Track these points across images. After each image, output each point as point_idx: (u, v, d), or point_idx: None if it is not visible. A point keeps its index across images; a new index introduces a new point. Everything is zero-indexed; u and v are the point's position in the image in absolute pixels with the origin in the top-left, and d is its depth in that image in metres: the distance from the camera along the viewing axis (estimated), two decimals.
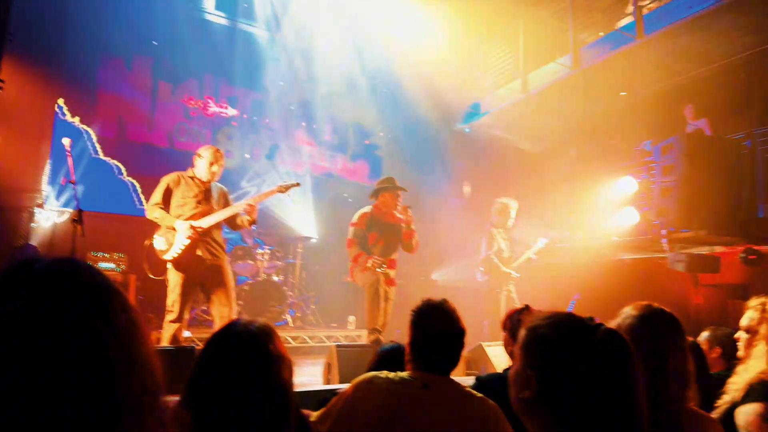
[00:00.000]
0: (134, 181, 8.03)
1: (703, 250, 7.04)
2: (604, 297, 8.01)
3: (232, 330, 1.39)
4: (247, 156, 9.44)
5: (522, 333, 1.20)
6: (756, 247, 6.90)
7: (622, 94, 8.83)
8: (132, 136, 8.36)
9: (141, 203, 7.79)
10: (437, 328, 2.00)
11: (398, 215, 5.35)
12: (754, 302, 2.32)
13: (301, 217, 9.21)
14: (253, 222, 4.93)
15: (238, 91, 9.49)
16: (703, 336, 3.10)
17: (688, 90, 8.29)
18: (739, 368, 2.32)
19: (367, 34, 9.56)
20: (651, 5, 8.88)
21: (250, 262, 7.66)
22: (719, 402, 2.07)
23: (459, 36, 9.52)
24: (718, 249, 7.19)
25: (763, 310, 2.25)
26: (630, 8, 8.19)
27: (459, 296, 8.55)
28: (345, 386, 3.84)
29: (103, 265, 5.93)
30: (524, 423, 1.17)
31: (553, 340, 1.13)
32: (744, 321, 2.35)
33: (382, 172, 10.20)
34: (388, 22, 9.39)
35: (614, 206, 7.72)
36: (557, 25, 8.60)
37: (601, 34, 9.00)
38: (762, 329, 2.20)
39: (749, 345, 2.28)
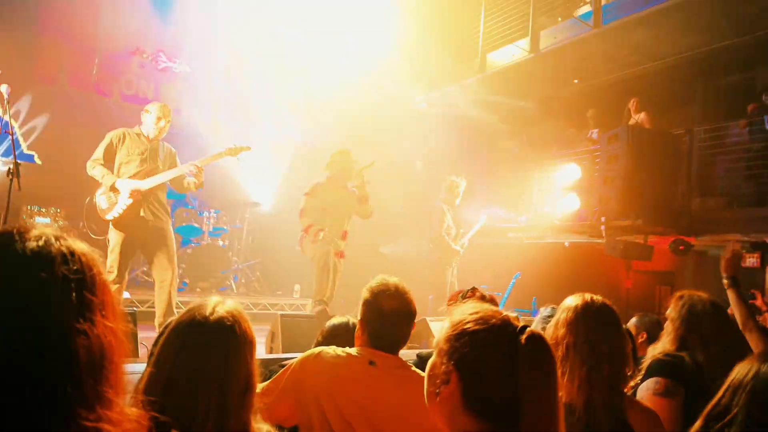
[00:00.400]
0: None
1: (638, 238, 7.39)
2: (544, 277, 8.34)
3: (205, 313, 1.32)
4: (197, 114, 9.11)
5: (446, 325, 1.17)
6: (686, 239, 7.32)
7: (575, 81, 9.04)
8: (74, 84, 7.91)
9: None
10: (390, 308, 2.02)
11: (352, 187, 5.35)
12: (678, 294, 2.49)
13: (250, 181, 9.04)
14: (199, 185, 4.81)
15: (191, 46, 9.09)
16: (632, 322, 3.29)
17: (637, 83, 8.57)
18: (649, 349, 2.52)
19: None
20: None
21: (195, 225, 7.48)
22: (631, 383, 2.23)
23: (423, 11, 9.44)
24: (651, 238, 7.56)
25: (681, 299, 2.42)
26: None
27: (405, 269, 8.68)
28: (289, 356, 3.86)
29: (39, 219, 5.67)
30: (434, 417, 1.15)
31: (478, 338, 1.11)
32: (668, 311, 2.52)
33: (336, 142, 10.09)
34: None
35: (558, 191, 7.97)
36: (518, 8, 8.66)
37: (560, 20, 9.15)
38: (672, 314, 2.39)
39: (665, 332, 2.46)
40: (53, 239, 0.83)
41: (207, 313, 1.30)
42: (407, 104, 10.38)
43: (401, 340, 2.07)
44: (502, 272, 8.49)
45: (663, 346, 2.40)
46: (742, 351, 2.13)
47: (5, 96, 3.77)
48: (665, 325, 2.52)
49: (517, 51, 8.32)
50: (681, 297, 2.45)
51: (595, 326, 1.77)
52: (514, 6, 8.70)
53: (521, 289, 8.41)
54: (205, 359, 1.26)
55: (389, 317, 2.01)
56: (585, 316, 1.80)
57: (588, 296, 1.90)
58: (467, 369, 1.09)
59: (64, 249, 0.82)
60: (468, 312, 1.17)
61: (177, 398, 1.21)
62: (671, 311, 2.46)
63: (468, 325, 1.13)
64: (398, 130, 10.25)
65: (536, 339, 1.10)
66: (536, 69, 8.59)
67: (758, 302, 5.47)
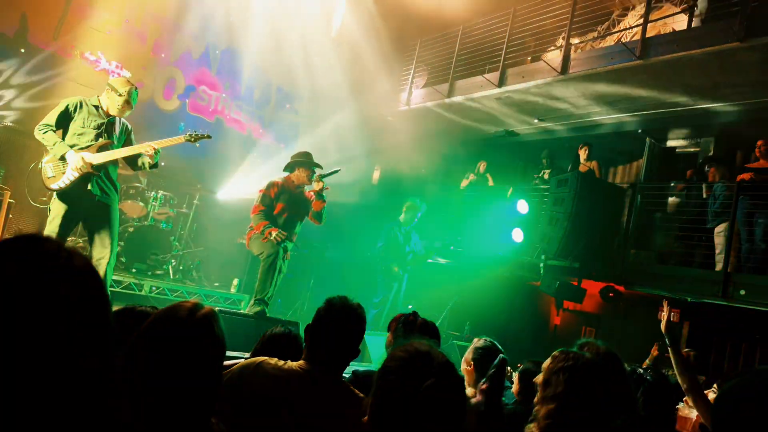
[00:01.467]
0: None
1: (573, 280, 7.71)
2: (481, 304, 8.58)
3: (184, 314, 1.32)
4: (159, 90, 8.90)
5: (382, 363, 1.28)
6: (616, 286, 7.71)
7: (535, 120, 9.37)
8: (33, 40, 7.55)
9: None
10: (334, 323, 2.05)
11: (309, 191, 5.34)
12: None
13: (203, 168, 8.87)
14: (154, 165, 4.71)
15: (164, 20, 8.87)
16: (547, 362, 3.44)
17: (593, 131, 8.99)
18: None
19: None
20: (581, 45, 9.49)
21: (140, 203, 7.26)
22: None
23: (405, 29, 9.63)
24: (585, 281, 7.90)
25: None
26: (561, 42, 8.71)
27: (350, 279, 8.70)
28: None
29: None
30: None
31: (392, 378, 1.21)
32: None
33: (298, 141, 10.06)
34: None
35: (504, 224, 8.22)
36: (492, 43, 8.92)
37: (529, 60, 9.48)
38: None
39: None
40: None
41: (185, 315, 1.32)
42: (373, 114, 10.46)
43: (346, 356, 2.08)
44: (442, 294, 8.68)
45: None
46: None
47: None
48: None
49: (485, 83, 8.56)
50: (585, 345, 2.55)
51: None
52: (488, 41, 8.97)
53: (457, 312, 8.62)
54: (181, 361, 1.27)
55: (338, 336, 2.04)
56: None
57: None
58: (379, 401, 1.20)
59: None
60: (402, 349, 1.28)
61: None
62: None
63: (391, 362, 1.26)
64: (361, 137, 10.31)
65: (449, 384, 1.21)
66: (500, 103, 8.87)
67: (653, 350, 5.88)
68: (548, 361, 2.08)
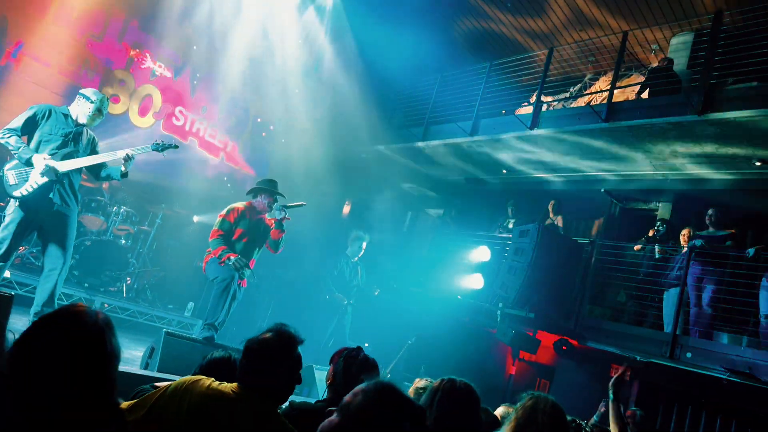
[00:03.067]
0: None
1: (528, 330, 7.79)
2: (437, 346, 8.57)
3: (77, 321, 1.33)
4: (134, 107, 8.88)
5: (350, 401, 1.32)
6: (570, 340, 7.81)
7: (503, 171, 9.62)
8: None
9: None
10: (260, 346, 2.07)
11: (270, 219, 5.33)
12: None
13: (171, 187, 8.80)
14: (124, 174, 4.68)
15: (148, 39, 8.93)
16: (498, 411, 3.46)
17: (558, 188, 9.26)
18: None
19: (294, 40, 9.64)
20: (554, 103, 9.88)
21: (101, 217, 7.14)
22: None
23: (384, 70, 9.88)
24: (540, 332, 7.99)
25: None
26: (533, 99, 9.04)
27: (309, 309, 8.60)
28: (162, 377, 3.76)
29: None
30: None
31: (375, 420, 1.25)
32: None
33: (270, 169, 10.10)
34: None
35: (466, 268, 8.31)
36: (469, 90, 9.21)
37: (504, 112, 9.80)
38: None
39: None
40: None
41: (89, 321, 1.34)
42: (349, 149, 10.59)
43: (266, 378, 2.06)
44: (398, 333, 8.65)
45: None
46: None
47: None
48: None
49: (458, 130, 8.79)
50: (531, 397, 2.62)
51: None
52: (465, 88, 9.26)
53: (413, 353, 8.59)
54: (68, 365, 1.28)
55: (259, 357, 2.05)
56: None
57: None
58: None
59: None
60: (365, 388, 1.34)
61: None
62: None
63: (366, 416, 1.30)
64: (333, 169, 10.40)
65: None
66: (470, 151, 9.09)
67: (602, 407, 5.93)
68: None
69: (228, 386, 2.05)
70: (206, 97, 9.79)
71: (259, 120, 10.58)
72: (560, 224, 8.47)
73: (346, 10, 9.72)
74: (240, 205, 5.27)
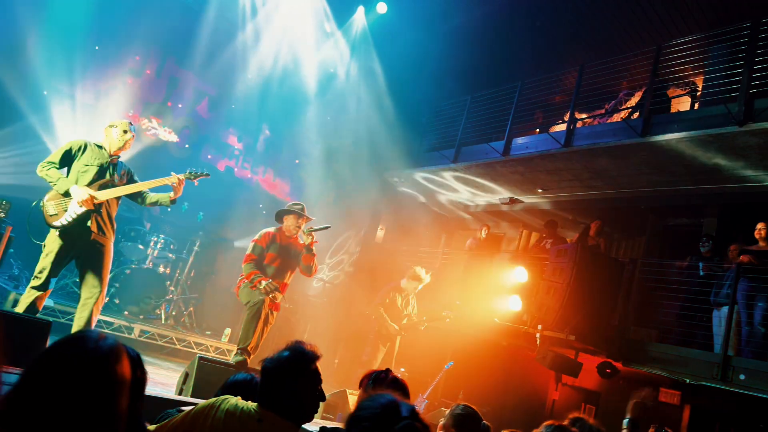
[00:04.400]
0: None
1: (569, 353, 7.54)
2: (475, 372, 8.38)
3: (77, 347, 1.27)
4: (163, 136, 9.16)
5: (352, 407, 1.29)
6: (614, 363, 7.51)
7: (539, 190, 9.46)
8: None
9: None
10: (281, 368, 2.04)
11: (301, 241, 5.37)
12: (573, 416, 2.58)
13: (208, 215, 9.00)
14: (173, 201, 4.82)
15: (182, 73, 9.27)
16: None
17: (594, 205, 9.03)
18: None
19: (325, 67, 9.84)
20: (587, 120, 9.71)
21: (141, 246, 7.34)
22: None
23: (413, 94, 9.95)
24: (582, 355, 7.72)
25: (575, 423, 2.52)
26: (567, 116, 8.91)
27: (344, 333, 8.56)
28: (195, 401, 3.77)
29: None
30: None
31: (365, 425, 1.22)
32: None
33: (303, 194, 10.22)
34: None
35: (503, 290, 8.14)
36: (500, 110, 9.16)
37: (537, 131, 9.69)
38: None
39: None
40: None
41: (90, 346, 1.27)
42: (381, 175, 10.66)
43: (282, 397, 2.02)
44: (436, 358, 8.50)
45: None
46: None
47: None
48: None
49: (491, 150, 8.72)
50: (576, 421, 2.54)
51: None
52: (493, 107, 9.22)
53: (452, 378, 8.41)
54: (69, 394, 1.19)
55: (274, 375, 2.02)
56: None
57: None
58: None
59: None
60: (368, 402, 1.30)
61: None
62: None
63: (362, 412, 1.27)
64: (366, 195, 10.47)
65: (410, 428, 1.21)
66: (505, 171, 8.99)
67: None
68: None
69: (251, 405, 2.03)
70: (241, 127, 10.04)
71: (291, 147, 10.77)
72: (602, 245, 8.23)
73: (374, 36, 9.87)
74: (271, 229, 5.34)
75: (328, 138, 10.06)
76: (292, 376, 2.03)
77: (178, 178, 4.72)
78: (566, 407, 9.14)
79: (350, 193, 10.24)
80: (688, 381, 6.63)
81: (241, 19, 9.28)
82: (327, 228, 5.36)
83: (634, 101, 9.89)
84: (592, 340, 7.41)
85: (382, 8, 9.68)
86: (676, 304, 7.24)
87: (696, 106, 8.66)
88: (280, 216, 5.42)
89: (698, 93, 8.19)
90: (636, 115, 7.98)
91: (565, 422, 2.55)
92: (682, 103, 9.22)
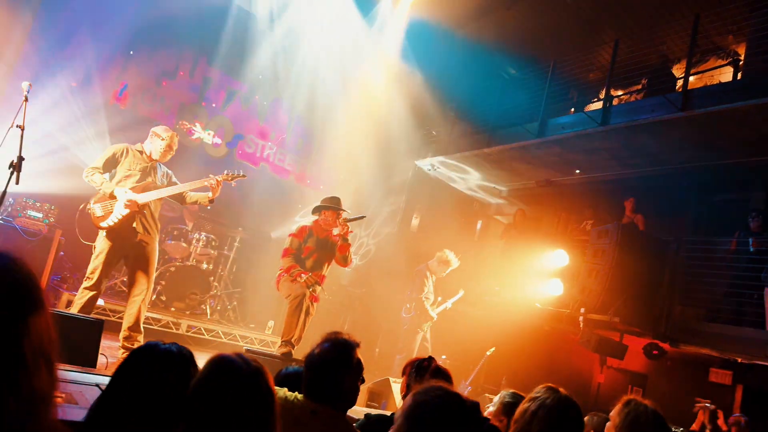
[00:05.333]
0: None
1: (614, 335, 7.42)
2: (517, 357, 8.33)
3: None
4: (208, 140, 9.35)
5: (408, 400, 1.28)
6: (660, 344, 7.35)
7: (576, 171, 9.28)
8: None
9: None
10: (320, 359, 2.08)
11: (336, 235, 5.45)
12: (626, 399, 2.53)
13: (246, 212, 9.16)
14: (212, 201, 4.99)
15: (214, 72, 9.41)
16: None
17: (635, 184, 8.80)
18: None
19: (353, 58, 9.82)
20: (623, 96, 9.46)
21: (184, 244, 7.54)
22: None
23: (442, 80, 9.85)
24: (627, 337, 7.59)
25: (628, 406, 2.46)
26: (602, 95, 8.70)
27: (382, 323, 8.63)
28: None
29: (31, 213, 5.75)
30: None
31: (427, 421, 1.21)
32: (612, 412, 2.56)
33: (339, 187, 10.29)
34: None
35: (543, 274, 8.05)
36: (533, 91, 9.00)
37: (572, 110, 9.49)
38: (615, 419, 2.44)
39: None
40: None
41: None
42: (413, 163, 10.64)
43: (329, 389, 2.08)
44: (476, 345, 8.48)
45: None
46: None
47: (26, 92, 3.93)
48: (607, 426, 2.55)
49: (525, 134, 8.59)
50: (627, 404, 2.49)
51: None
52: (529, 89, 9.06)
53: (493, 364, 8.38)
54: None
55: (319, 368, 2.06)
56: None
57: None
58: None
59: None
60: (429, 390, 1.29)
61: None
62: (615, 415, 2.51)
63: (422, 406, 1.27)
64: (399, 185, 10.46)
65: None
66: (539, 153, 8.84)
67: (720, 422, 5.47)
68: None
69: (299, 397, 2.08)
70: (274, 123, 10.15)
71: (323, 141, 10.83)
72: (640, 222, 8.04)
73: (407, 32, 9.81)
74: (308, 223, 5.44)
75: (359, 129, 10.07)
76: (336, 368, 2.08)
77: (216, 180, 4.86)
78: (612, 390, 9.00)
79: (383, 183, 10.26)
80: (739, 360, 6.45)
81: (269, 12, 9.37)
82: (362, 218, 5.42)
83: (675, 74, 9.58)
84: (637, 322, 7.27)
85: None
86: (725, 281, 7.02)
87: (739, 76, 8.34)
88: (316, 210, 5.49)
89: (740, 62, 7.88)
90: (678, 87, 7.73)
91: (618, 405, 2.51)
92: (724, 74, 8.89)
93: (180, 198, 5.04)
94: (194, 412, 1.31)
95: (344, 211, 5.42)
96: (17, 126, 3.80)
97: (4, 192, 3.62)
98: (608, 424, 2.52)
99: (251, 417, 1.33)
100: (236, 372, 1.37)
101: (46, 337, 0.89)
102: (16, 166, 3.58)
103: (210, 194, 4.96)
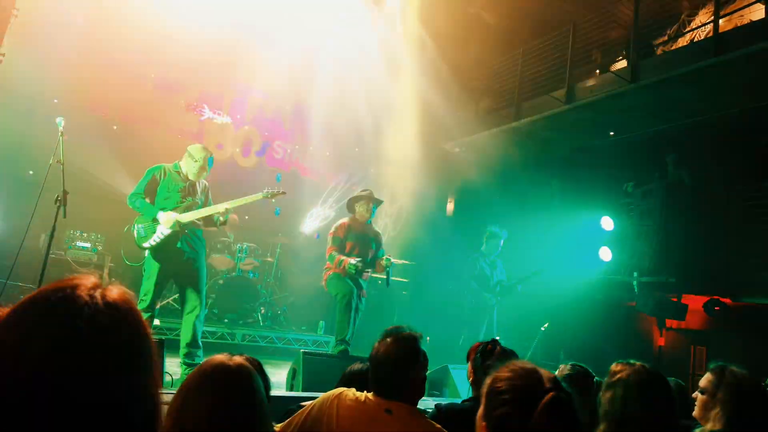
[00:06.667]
0: None
1: (672, 296, 7.21)
2: (573, 330, 8.18)
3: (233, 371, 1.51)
4: (237, 150, 9.45)
5: (487, 380, 1.26)
6: (721, 299, 7.11)
7: (611, 134, 9.02)
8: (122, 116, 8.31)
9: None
10: (380, 355, 2.06)
11: (375, 227, 5.47)
12: (715, 366, 2.40)
13: (282, 217, 9.23)
14: (224, 223, 5.01)
15: (237, 86, 9.49)
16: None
17: (674, 138, 8.50)
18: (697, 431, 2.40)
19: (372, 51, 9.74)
20: (659, 48, 9.13)
21: (228, 256, 7.65)
22: None
23: (462, 58, 9.69)
24: (686, 296, 7.36)
25: (723, 376, 2.32)
26: (626, 53, 8.42)
27: (433, 314, 8.58)
28: (308, 395, 3.89)
29: (79, 244, 5.92)
30: None
31: (505, 398, 1.19)
32: (702, 382, 2.42)
33: (368, 180, 10.27)
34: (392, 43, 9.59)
35: (591, 243, 7.87)
36: (555, 58, 8.78)
37: (598, 72, 9.21)
38: (719, 394, 2.28)
39: (704, 406, 2.35)
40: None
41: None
42: (441, 146, 10.52)
43: (400, 386, 2.06)
44: (532, 321, 8.37)
45: (712, 424, 2.29)
46: None
47: (60, 128, 4.01)
48: (702, 399, 2.39)
49: (553, 102, 8.39)
50: (721, 371, 2.33)
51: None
52: (550, 56, 8.84)
53: (549, 340, 8.26)
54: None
55: (387, 366, 2.04)
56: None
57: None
58: (493, 425, 1.20)
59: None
60: (507, 369, 1.28)
61: None
62: (708, 385, 2.35)
63: (499, 384, 1.25)
64: (431, 171, 10.36)
65: (558, 404, 1.18)
66: (570, 119, 8.63)
67: None
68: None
69: (369, 395, 2.06)
70: (299, 125, 10.17)
71: (348, 136, 10.80)
72: (685, 177, 7.76)
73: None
74: (345, 219, 5.46)
75: (382, 117, 10.00)
76: (404, 364, 2.06)
77: (226, 208, 4.86)
78: (674, 352, 8.77)
79: (413, 170, 10.18)
80: None
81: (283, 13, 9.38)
82: (380, 202, 5.46)
83: (699, 21, 9.21)
84: (694, 279, 7.05)
85: None
86: None
87: None
88: (351, 204, 5.50)
89: None
90: (708, 33, 7.42)
91: (709, 375, 2.38)
92: (754, 12, 8.48)
93: (208, 219, 4.99)
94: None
95: (378, 200, 5.43)
96: (57, 162, 3.88)
97: (54, 227, 3.70)
98: (700, 396, 2.38)
99: (235, 417, 1.39)
100: (220, 372, 1.47)
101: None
102: (62, 201, 3.66)
103: (221, 218, 4.90)
